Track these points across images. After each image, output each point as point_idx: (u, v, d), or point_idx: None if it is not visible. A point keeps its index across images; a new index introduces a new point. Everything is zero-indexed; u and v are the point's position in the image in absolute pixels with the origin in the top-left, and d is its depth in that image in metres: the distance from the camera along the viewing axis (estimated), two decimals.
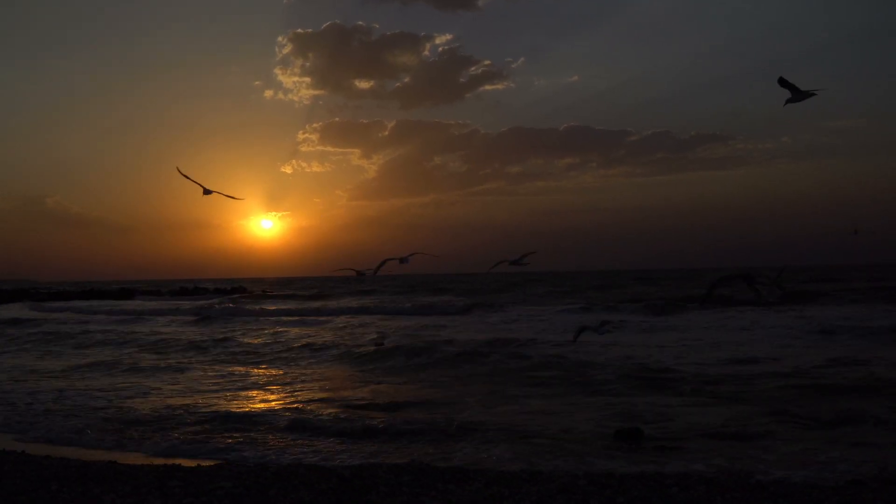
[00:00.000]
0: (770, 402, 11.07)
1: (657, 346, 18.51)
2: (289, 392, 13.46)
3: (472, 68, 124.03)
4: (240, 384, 14.63)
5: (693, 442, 8.75)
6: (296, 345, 21.63)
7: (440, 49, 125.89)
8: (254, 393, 13.56)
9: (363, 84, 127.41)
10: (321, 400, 12.42)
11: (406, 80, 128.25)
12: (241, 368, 17.24)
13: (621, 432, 9.12)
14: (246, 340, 23.83)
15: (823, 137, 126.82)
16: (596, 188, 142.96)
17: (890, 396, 11.19)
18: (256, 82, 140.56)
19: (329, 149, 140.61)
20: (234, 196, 10.23)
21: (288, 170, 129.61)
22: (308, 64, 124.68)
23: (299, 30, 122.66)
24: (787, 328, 21.42)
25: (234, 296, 65.52)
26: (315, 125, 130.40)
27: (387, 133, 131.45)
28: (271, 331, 27.88)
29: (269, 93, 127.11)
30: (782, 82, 6.47)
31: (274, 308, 44.26)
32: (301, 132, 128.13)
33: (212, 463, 7.89)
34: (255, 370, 16.93)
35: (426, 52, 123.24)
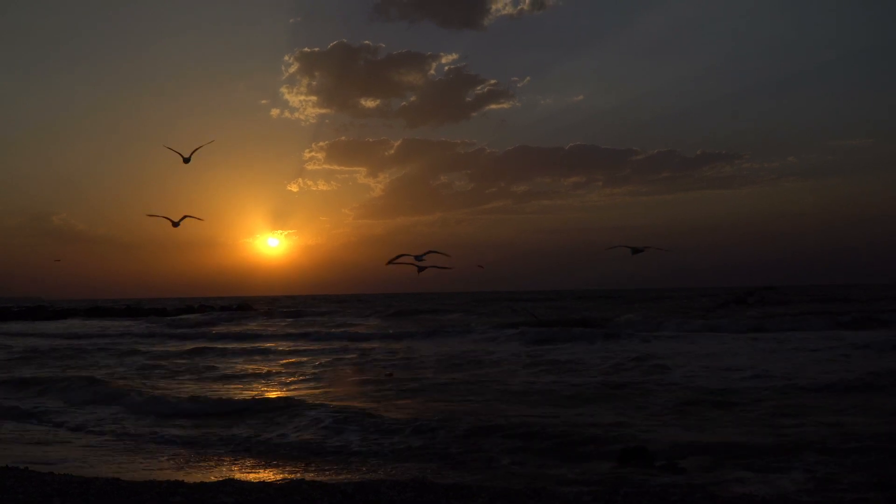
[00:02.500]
0: (777, 421, 11.00)
1: (660, 365, 18.42)
2: None
3: (478, 87, 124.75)
4: None
5: (699, 461, 8.69)
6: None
7: (446, 68, 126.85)
8: None
9: (369, 103, 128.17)
10: None
11: (412, 98, 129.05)
12: None
13: (627, 451, 9.05)
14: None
15: (829, 156, 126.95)
16: (602, 207, 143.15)
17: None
18: (263, 101, 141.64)
19: (335, 167, 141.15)
20: (198, 217, 10.46)
21: (294, 188, 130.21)
22: (314, 83, 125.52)
23: (306, 49, 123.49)
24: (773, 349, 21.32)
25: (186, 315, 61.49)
26: (321, 144, 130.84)
27: (393, 152, 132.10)
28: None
29: (275, 111, 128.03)
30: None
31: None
32: (307, 151, 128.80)
33: (215, 479, 7.85)
34: None
35: (432, 72, 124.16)
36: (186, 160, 10.15)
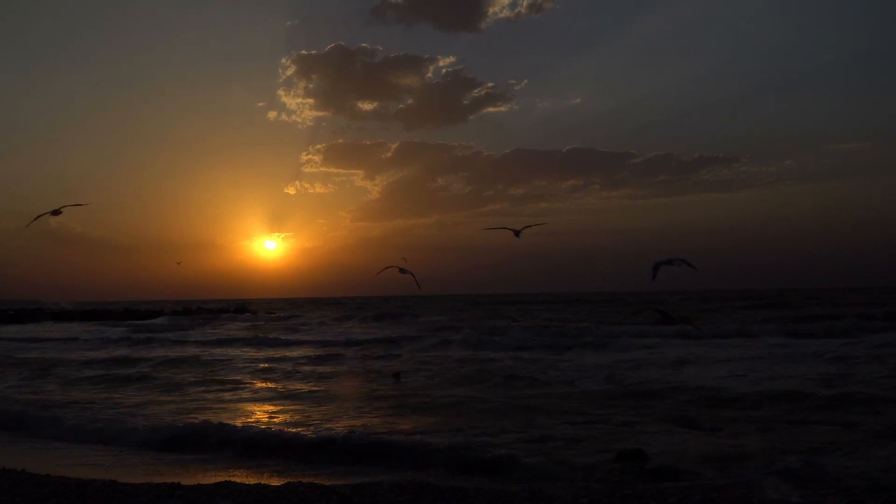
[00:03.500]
0: (773, 424, 11.03)
1: (657, 370, 18.47)
2: None
3: (475, 90, 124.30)
4: None
5: (696, 463, 8.70)
6: None
7: (443, 71, 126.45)
8: None
9: (366, 106, 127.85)
10: None
11: (409, 101, 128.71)
12: None
13: (623, 453, 9.07)
14: None
15: (827, 160, 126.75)
16: (599, 210, 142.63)
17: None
18: (260, 103, 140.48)
19: (332, 170, 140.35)
20: (80, 203, 10.68)
21: (291, 191, 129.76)
22: (311, 85, 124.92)
23: (303, 51, 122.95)
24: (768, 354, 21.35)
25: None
26: (318, 146, 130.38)
27: (390, 154, 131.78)
28: None
29: (272, 114, 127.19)
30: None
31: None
32: (304, 153, 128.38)
33: (211, 481, 7.84)
34: None
35: (429, 74, 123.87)
36: (56, 212, 10.44)
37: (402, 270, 11.91)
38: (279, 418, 12.75)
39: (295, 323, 51.32)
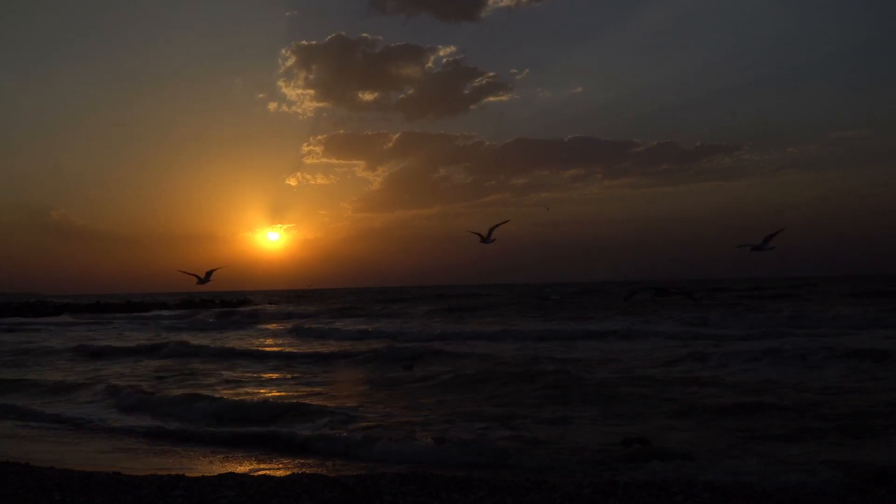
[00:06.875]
0: (778, 414, 11.02)
1: (653, 358, 18.44)
2: None
3: (477, 80, 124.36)
4: None
5: (700, 451, 8.70)
6: None
7: (444, 61, 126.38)
8: None
9: (367, 96, 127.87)
10: None
11: (410, 91, 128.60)
12: None
13: (628, 441, 9.09)
14: None
15: (829, 148, 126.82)
16: (601, 199, 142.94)
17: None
18: (260, 94, 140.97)
19: (333, 161, 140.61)
20: None
21: (293, 182, 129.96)
22: (312, 76, 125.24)
23: (303, 42, 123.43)
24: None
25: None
26: (319, 137, 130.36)
27: (391, 145, 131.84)
28: None
29: (272, 105, 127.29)
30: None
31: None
32: (305, 144, 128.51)
33: (215, 473, 7.85)
34: None
35: (430, 64, 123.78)
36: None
37: (483, 240, 13.21)
38: None
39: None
